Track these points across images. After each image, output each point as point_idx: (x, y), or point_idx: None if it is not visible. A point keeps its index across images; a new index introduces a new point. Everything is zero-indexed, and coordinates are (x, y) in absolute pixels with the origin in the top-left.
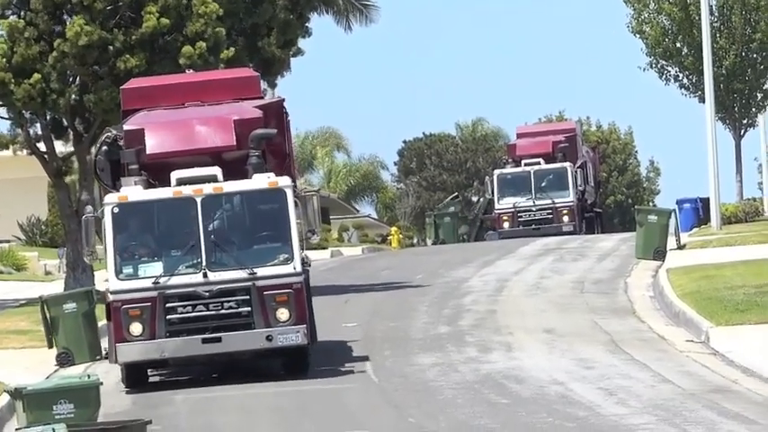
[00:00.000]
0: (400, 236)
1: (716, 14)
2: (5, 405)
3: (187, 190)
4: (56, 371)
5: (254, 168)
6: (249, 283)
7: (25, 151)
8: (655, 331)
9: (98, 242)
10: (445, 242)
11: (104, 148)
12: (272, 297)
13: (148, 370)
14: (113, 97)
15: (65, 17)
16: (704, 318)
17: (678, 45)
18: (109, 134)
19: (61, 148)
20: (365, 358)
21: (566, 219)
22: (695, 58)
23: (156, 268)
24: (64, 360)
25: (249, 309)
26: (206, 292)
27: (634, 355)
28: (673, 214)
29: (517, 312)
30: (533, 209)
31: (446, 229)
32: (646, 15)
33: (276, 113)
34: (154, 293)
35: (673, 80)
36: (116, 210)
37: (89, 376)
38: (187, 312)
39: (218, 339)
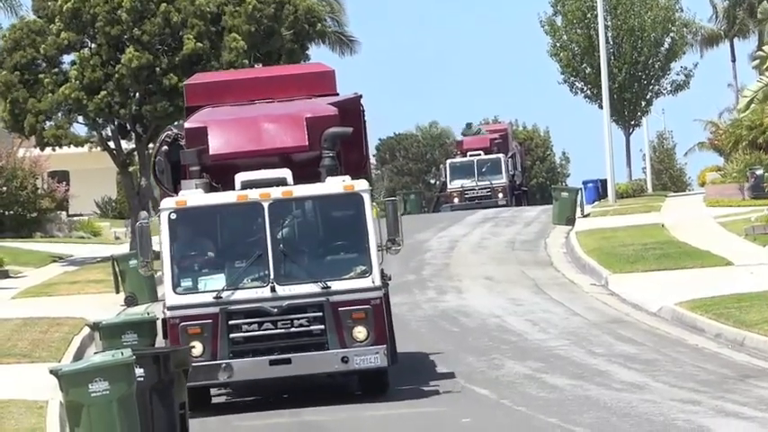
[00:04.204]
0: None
1: (611, 42)
2: (87, 335)
3: (253, 194)
4: (123, 309)
5: (327, 171)
6: (322, 299)
7: (99, 148)
8: (567, 278)
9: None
10: (411, 213)
11: (164, 148)
12: (348, 314)
13: (211, 390)
14: (164, 108)
15: (123, 47)
16: (604, 267)
17: (583, 66)
18: (169, 133)
19: (126, 145)
20: None
21: (500, 195)
22: (596, 75)
23: (217, 281)
24: (130, 301)
25: (322, 327)
26: (274, 308)
27: (552, 296)
28: (580, 191)
29: (465, 264)
30: (476, 188)
31: (412, 204)
32: (560, 44)
33: (353, 110)
34: (215, 309)
35: (579, 92)
36: (173, 216)
37: (148, 314)
38: (253, 331)
39: (288, 361)
